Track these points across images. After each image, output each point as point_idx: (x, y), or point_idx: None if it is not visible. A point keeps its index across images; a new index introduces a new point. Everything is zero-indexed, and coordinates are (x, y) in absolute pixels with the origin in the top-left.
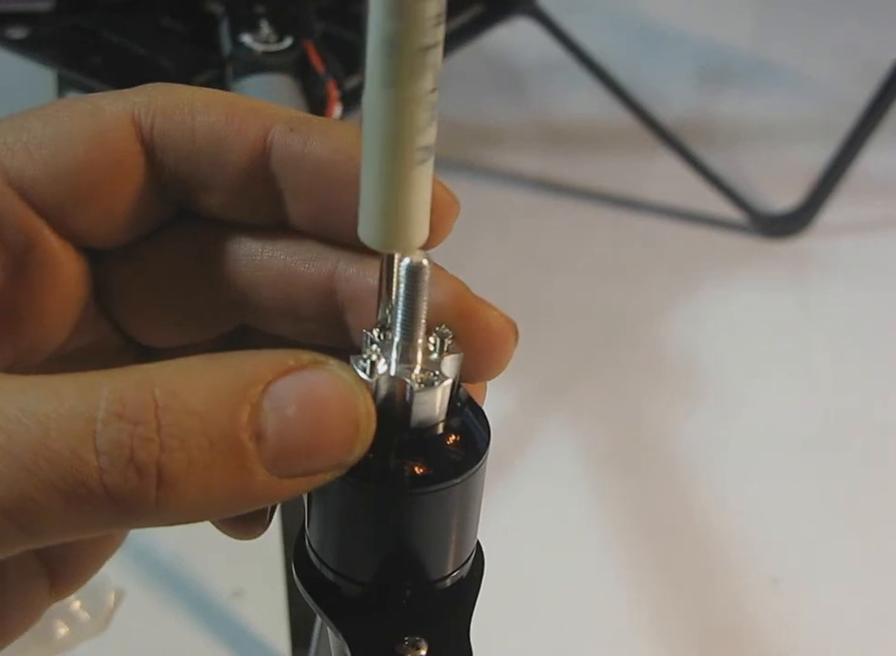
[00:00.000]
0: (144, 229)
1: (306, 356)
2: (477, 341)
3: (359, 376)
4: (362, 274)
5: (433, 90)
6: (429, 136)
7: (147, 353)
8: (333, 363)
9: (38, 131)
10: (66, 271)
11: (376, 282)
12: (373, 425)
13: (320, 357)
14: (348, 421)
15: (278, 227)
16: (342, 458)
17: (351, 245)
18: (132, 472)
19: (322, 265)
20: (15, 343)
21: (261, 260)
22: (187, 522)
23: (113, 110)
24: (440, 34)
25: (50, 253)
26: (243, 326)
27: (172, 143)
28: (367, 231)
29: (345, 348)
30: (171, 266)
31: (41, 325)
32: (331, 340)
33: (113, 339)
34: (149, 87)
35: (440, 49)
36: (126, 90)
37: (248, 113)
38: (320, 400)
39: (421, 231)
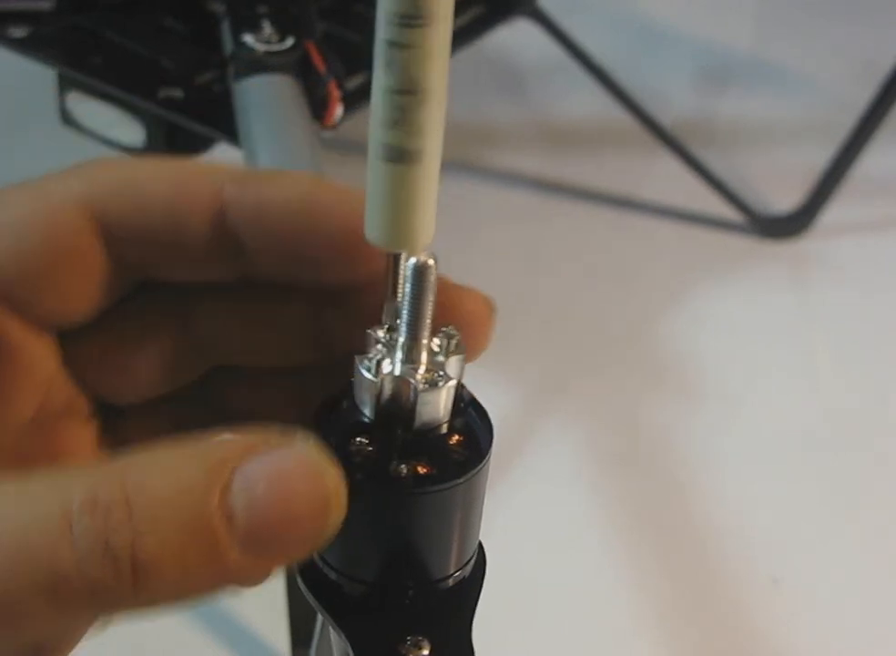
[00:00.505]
0: (107, 303)
1: (273, 434)
2: (456, 324)
3: (326, 452)
4: (330, 311)
5: (404, 92)
6: (396, 136)
7: (117, 411)
8: (301, 440)
9: None
10: (30, 354)
11: (346, 315)
12: (344, 501)
13: (287, 433)
14: (317, 498)
15: (244, 278)
16: (314, 535)
17: (320, 287)
18: (108, 560)
19: (293, 307)
20: None
21: (231, 312)
22: (167, 607)
23: (61, 194)
24: (407, 35)
25: (13, 339)
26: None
27: (125, 221)
28: (373, 232)
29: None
30: (139, 329)
31: (10, 405)
32: (304, 359)
33: (82, 400)
34: (93, 164)
35: (413, 53)
36: (71, 170)
37: (195, 178)
38: (288, 478)
39: (426, 230)
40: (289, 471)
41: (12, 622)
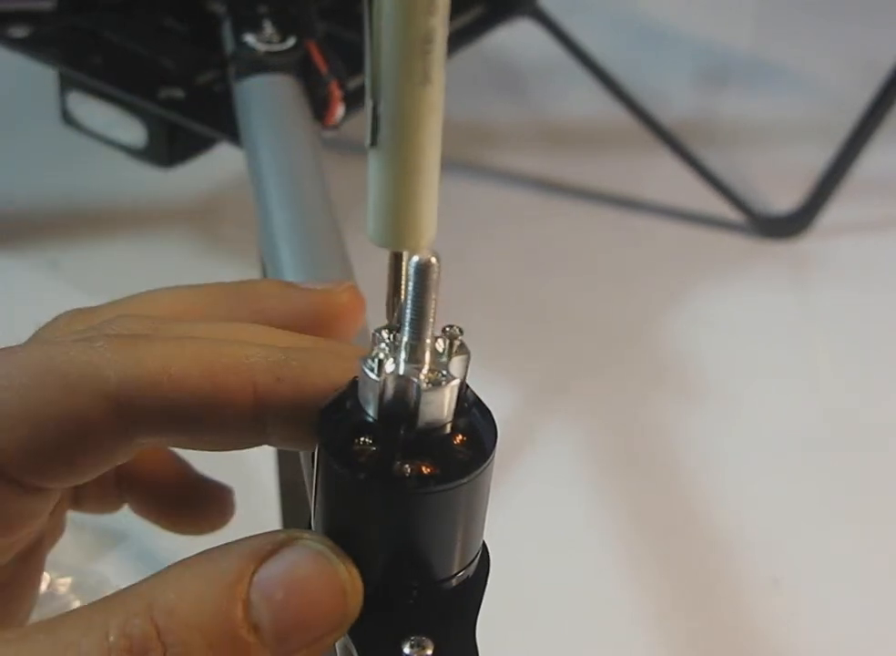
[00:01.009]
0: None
1: (281, 536)
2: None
3: (334, 545)
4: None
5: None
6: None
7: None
8: (308, 537)
9: (12, 407)
10: (27, 512)
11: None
12: (360, 586)
13: (295, 533)
14: (335, 590)
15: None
16: (339, 623)
17: None
18: None
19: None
20: None
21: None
22: None
23: (92, 387)
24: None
25: (12, 506)
26: None
27: (155, 416)
28: (375, 232)
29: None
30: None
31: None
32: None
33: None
34: (121, 346)
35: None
36: (100, 354)
37: (229, 375)
38: (303, 578)
39: (428, 230)
40: (302, 571)
41: None
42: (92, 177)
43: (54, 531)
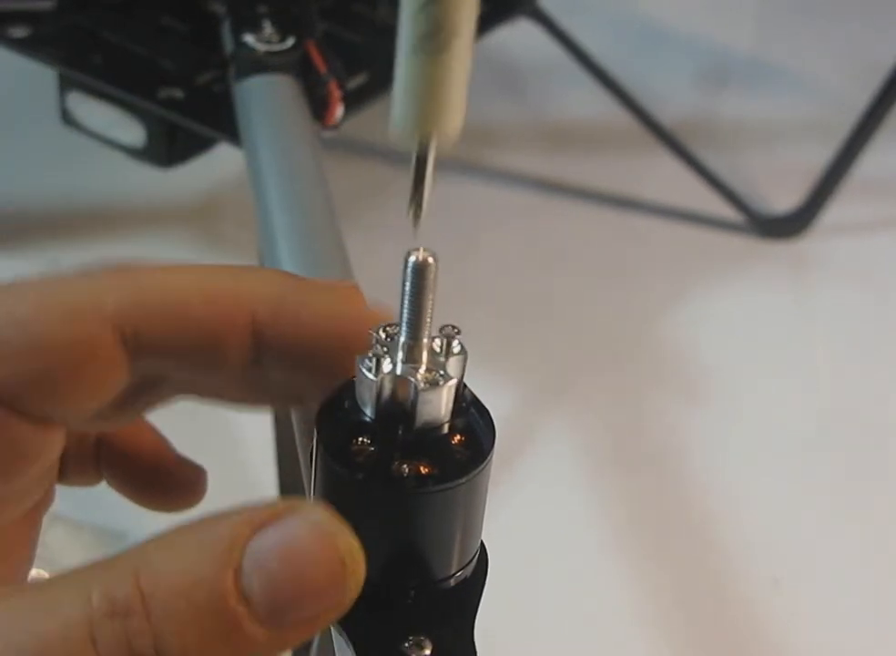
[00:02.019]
0: (115, 401)
1: (279, 505)
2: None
3: (333, 514)
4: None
5: None
6: (428, 25)
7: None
8: (306, 507)
9: (15, 340)
10: (35, 448)
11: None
12: (361, 559)
13: (294, 502)
14: (333, 562)
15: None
16: (337, 598)
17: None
18: None
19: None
20: None
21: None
22: None
23: (94, 313)
24: None
25: (19, 438)
26: None
27: (157, 343)
28: (401, 121)
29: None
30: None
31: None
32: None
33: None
34: (121, 275)
35: None
36: (103, 278)
37: (228, 303)
38: (300, 548)
39: (455, 116)
40: (299, 540)
41: None
42: (92, 177)
43: (45, 499)
